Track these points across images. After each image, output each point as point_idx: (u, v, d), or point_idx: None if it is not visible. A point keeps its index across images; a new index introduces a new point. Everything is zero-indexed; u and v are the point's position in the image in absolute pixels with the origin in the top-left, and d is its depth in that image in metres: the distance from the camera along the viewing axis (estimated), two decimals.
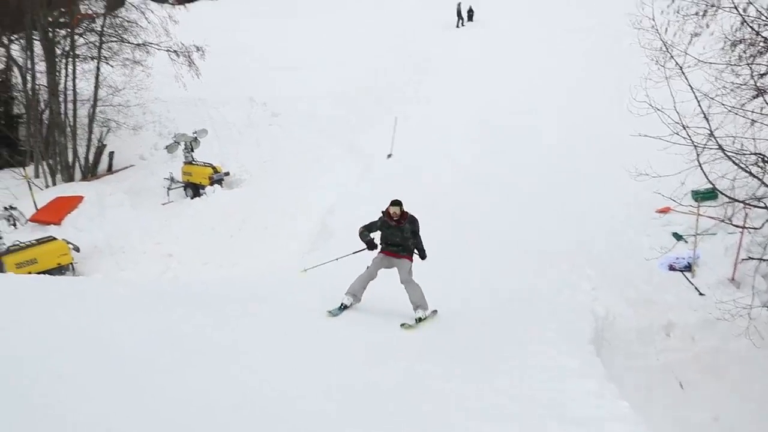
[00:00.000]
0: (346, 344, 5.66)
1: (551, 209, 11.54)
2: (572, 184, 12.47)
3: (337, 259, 7.36)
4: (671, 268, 9.37)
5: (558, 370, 5.40)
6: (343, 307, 6.61)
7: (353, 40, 23.95)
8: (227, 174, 16.15)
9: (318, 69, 21.39)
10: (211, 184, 15.57)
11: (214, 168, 15.86)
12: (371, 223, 6.83)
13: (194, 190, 15.80)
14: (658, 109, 7.52)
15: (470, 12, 26.15)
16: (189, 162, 16.07)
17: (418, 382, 4.66)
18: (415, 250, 6.80)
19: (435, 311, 6.84)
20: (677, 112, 7.42)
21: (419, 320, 6.53)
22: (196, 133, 16.43)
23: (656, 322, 7.96)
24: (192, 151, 16.21)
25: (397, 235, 6.69)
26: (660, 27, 8.02)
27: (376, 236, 6.86)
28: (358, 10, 28.87)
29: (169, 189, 15.94)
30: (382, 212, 6.71)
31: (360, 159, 15.43)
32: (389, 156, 15.28)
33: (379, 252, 6.78)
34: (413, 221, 6.71)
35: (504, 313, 7.69)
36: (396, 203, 6.66)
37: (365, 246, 6.88)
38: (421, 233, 6.74)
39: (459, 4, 25.72)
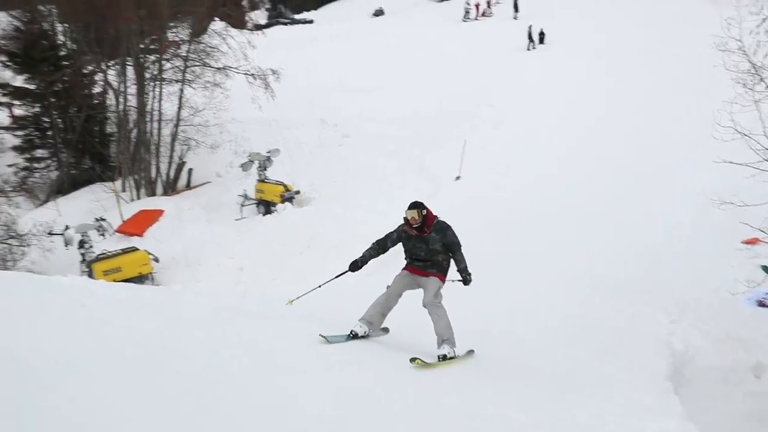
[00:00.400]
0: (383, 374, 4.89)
1: (623, 236, 11.11)
2: (646, 210, 11.98)
3: (320, 287, 6.03)
4: (761, 304, 8.72)
5: (633, 405, 5.13)
6: (353, 336, 5.25)
7: (423, 63, 24.23)
8: (298, 192, 16.63)
9: (388, 91, 21.74)
10: (282, 201, 16.08)
11: (285, 186, 16.38)
12: (386, 236, 5.51)
13: (266, 207, 16.37)
14: (746, 135, 7.15)
15: (541, 35, 25.87)
16: (262, 180, 16.68)
17: (475, 410, 4.39)
18: (457, 271, 5.45)
19: (471, 351, 5.55)
20: None
21: (443, 359, 5.10)
22: (269, 152, 17.06)
23: (743, 363, 7.37)
24: (265, 169, 16.82)
25: (421, 248, 5.36)
26: (748, 48, 7.64)
27: (391, 251, 5.56)
28: (429, 34, 29.24)
29: (242, 205, 16.59)
30: (405, 218, 5.40)
31: (428, 181, 15.50)
32: (457, 178, 15.27)
33: (403, 268, 5.47)
34: (443, 229, 5.35)
35: (568, 340, 7.35)
36: (414, 206, 5.33)
37: (348, 268, 5.55)
38: (463, 248, 5.43)
39: (530, 27, 25.52)
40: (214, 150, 19.95)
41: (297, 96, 21.09)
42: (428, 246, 5.34)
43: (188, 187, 19.93)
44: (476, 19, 33.88)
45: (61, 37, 23.34)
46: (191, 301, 7.35)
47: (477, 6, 34.72)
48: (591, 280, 9.55)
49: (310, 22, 42.50)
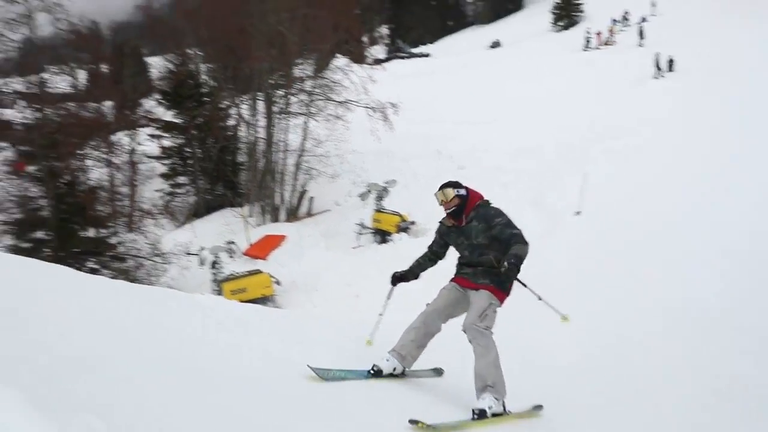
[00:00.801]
0: None
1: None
2: None
3: (381, 315, 4.90)
4: None
5: None
6: (375, 373, 3.89)
7: (540, 94, 23.82)
8: (413, 223, 16.84)
9: (504, 123, 21.58)
10: (398, 231, 16.38)
11: (401, 217, 16.68)
12: (433, 239, 4.32)
13: (382, 236, 16.77)
14: None
15: (670, 62, 24.42)
16: (379, 210, 17.14)
17: None
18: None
19: (538, 408, 3.93)
20: None
21: (480, 416, 3.44)
22: (386, 183, 17.53)
23: None
24: (382, 199, 17.29)
25: (463, 245, 4.01)
26: None
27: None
28: (547, 64, 28.74)
29: (359, 234, 17.14)
30: None
31: (546, 215, 15.04)
32: (577, 213, 14.69)
33: (451, 279, 4.16)
34: (487, 216, 3.87)
35: (718, 405, 6.46)
36: (444, 185, 4.07)
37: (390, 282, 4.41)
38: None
39: (657, 54, 24.19)
40: (333, 179, 20.90)
41: (414, 128, 21.57)
42: (470, 241, 3.93)
43: (309, 214, 20.97)
44: (598, 47, 32.81)
45: (203, 77, 25.94)
46: (313, 325, 7.68)
47: (598, 34, 33.68)
48: (732, 332, 8.64)
49: (427, 55, 43.49)
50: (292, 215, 21.17)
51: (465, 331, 3.78)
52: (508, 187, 17.36)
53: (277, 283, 14.89)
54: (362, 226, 17.24)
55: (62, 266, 6.03)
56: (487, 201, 4.05)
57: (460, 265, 4.10)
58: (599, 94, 22.62)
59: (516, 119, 21.68)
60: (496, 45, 41.93)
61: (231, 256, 16.14)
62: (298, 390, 3.85)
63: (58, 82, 21.41)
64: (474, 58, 35.41)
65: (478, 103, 24.15)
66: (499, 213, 3.91)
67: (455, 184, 4.09)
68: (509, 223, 3.83)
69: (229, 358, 4.67)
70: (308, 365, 3.74)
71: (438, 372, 4.36)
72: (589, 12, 42.43)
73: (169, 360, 3.59)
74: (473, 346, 3.72)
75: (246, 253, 17.21)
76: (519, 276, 3.79)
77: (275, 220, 21.06)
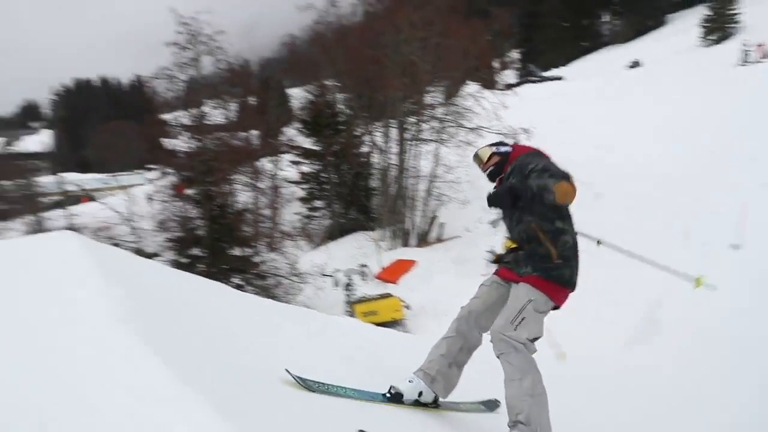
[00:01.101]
0: None
1: None
2: None
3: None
4: None
5: None
6: (393, 397, 3.02)
7: (687, 116, 21.98)
8: None
9: (646, 148, 20.22)
10: None
11: None
12: None
13: None
14: None
15: None
16: (510, 237, 16.75)
17: None
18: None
19: None
20: None
21: None
22: None
23: None
24: None
25: (505, 215, 3.17)
26: None
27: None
28: (694, 83, 26.51)
29: (489, 261, 16.89)
30: None
31: (694, 247, 13.77)
32: (736, 247, 13.26)
33: (494, 271, 3.34)
34: (523, 165, 3.01)
35: None
36: (483, 147, 3.27)
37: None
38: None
39: None
40: (464, 206, 20.85)
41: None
42: (507, 200, 2.98)
43: (439, 240, 21.10)
44: (759, 61, 29.69)
45: (340, 106, 27.43)
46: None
47: (760, 46, 30.51)
48: None
49: (560, 78, 42.24)
50: (423, 240, 21.43)
51: (492, 341, 2.82)
52: (651, 216, 16.20)
53: (407, 307, 15.12)
54: (493, 253, 16.96)
55: (221, 283, 6.66)
56: (536, 150, 3.09)
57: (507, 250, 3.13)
58: (760, 114, 20.35)
59: (659, 143, 20.22)
60: (635, 65, 39.60)
61: (363, 279, 16.71)
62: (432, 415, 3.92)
63: (215, 114, 23.89)
64: (611, 79, 33.68)
65: (616, 126, 22.88)
66: (538, 159, 2.94)
67: (496, 143, 3.32)
68: (547, 166, 2.83)
69: (365, 379, 4.86)
70: (286, 369, 2.87)
71: (491, 406, 3.31)
72: (747, 23, 38.57)
73: (324, 377, 3.82)
74: (501, 363, 2.77)
75: (378, 277, 17.70)
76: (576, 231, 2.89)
77: (406, 244, 21.45)
